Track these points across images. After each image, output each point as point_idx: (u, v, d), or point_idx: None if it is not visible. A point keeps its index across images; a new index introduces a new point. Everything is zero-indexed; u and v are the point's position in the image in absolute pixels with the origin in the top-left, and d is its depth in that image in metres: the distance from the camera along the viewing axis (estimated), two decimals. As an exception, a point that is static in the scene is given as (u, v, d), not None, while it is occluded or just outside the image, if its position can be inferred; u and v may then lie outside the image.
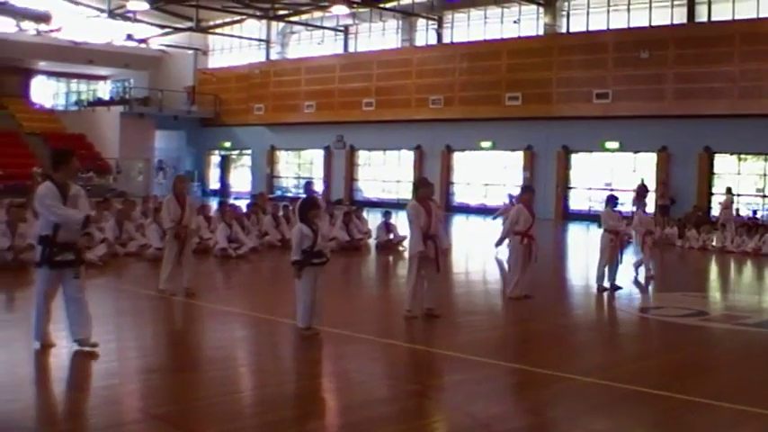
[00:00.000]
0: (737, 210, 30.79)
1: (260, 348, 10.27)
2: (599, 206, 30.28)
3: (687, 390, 8.34)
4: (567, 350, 10.47)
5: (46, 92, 55.45)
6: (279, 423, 7.12)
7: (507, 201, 22.20)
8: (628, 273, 16.99)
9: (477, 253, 22.26)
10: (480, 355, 9.60)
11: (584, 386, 8.47)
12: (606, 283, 15.12)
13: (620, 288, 15.17)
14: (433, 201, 12.27)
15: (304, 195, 15.20)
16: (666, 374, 9.20)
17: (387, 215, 22.47)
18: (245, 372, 9.11)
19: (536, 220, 13.87)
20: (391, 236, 22.11)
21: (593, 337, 11.70)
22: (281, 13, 46.09)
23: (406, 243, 21.60)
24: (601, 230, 15.63)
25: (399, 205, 35.57)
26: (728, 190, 30.18)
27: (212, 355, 9.72)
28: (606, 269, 15.19)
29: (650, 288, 16.44)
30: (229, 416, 7.19)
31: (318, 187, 44.50)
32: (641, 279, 17.09)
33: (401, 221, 22.76)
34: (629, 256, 17.87)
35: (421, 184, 12.09)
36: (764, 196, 32.58)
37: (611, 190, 34.92)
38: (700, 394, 8.18)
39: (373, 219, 25.43)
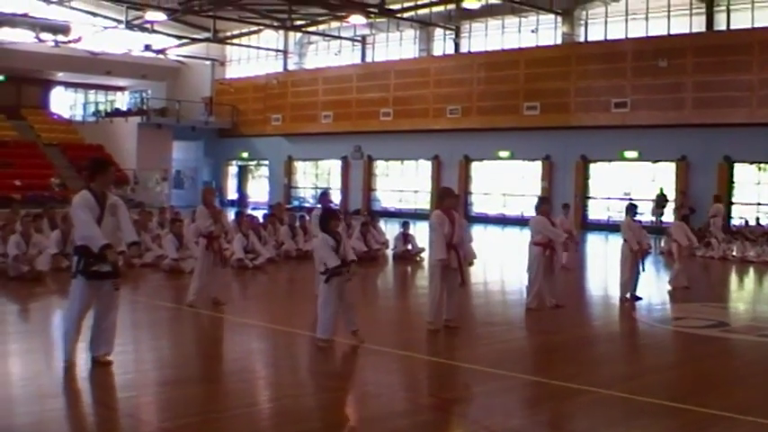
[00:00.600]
0: (758, 219, 30.60)
1: (277, 360, 10.19)
2: (618, 216, 30.17)
3: (709, 403, 8.21)
4: (586, 362, 10.34)
5: (64, 103, 55.65)
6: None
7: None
8: (656, 284, 16.87)
9: (496, 263, 22.09)
10: (499, 368, 9.48)
11: (605, 399, 8.34)
12: (627, 294, 15.02)
13: (640, 299, 15.04)
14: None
15: (319, 205, 15.11)
16: (688, 387, 9.07)
17: (405, 226, 22.39)
18: (263, 384, 9.02)
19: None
20: (409, 246, 22.02)
21: (614, 349, 11.56)
22: (299, 23, 46.13)
23: (424, 254, 21.62)
24: (622, 240, 15.51)
25: (417, 215, 35.60)
26: (717, 198, 30.09)
27: (229, 367, 9.66)
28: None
29: (670, 299, 16.29)
30: (246, 429, 7.13)
31: (336, 197, 44.44)
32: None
33: (419, 232, 22.78)
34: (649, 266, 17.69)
35: (446, 194, 11.94)
36: (785, 205, 32.33)
37: (630, 199, 34.74)
38: (722, 407, 8.03)
39: (391, 229, 25.35)
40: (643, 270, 15.43)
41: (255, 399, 8.36)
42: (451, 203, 11.80)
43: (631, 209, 15.81)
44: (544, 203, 14.21)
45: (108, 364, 8.85)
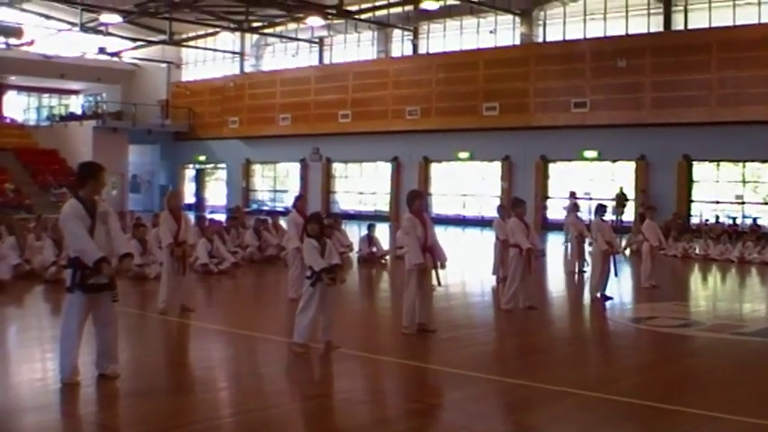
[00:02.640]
0: (717, 216, 30.82)
1: (250, 368, 9.88)
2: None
3: (695, 403, 8.11)
4: (567, 364, 10.20)
5: (17, 107, 54.86)
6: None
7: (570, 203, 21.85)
8: (623, 283, 16.88)
9: (458, 265, 21.95)
10: (480, 371, 9.31)
11: (589, 401, 8.19)
12: (597, 294, 14.99)
13: (610, 298, 15.01)
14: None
15: (293, 209, 14.93)
16: (670, 387, 8.97)
17: (370, 228, 22.25)
18: (236, 393, 8.66)
19: (532, 232, 13.67)
20: (374, 249, 21.85)
21: (592, 350, 11.47)
22: (256, 25, 45.78)
23: (389, 257, 21.51)
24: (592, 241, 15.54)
25: (377, 217, 35.47)
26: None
27: (199, 376, 9.32)
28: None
29: (640, 298, 16.29)
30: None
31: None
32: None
33: (379, 234, 22.64)
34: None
35: (414, 197, 11.78)
36: (743, 203, 32.57)
37: (590, 199, 34.91)
38: (708, 407, 7.93)
39: (350, 231, 25.17)
40: (615, 274, 15.41)
41: (228, 410, 8.05)
42: (421, 206, 11.68)
43: (600, 209, 15.82)
44: (519, 205, 14.04)
45: (117, 377, 8.51)
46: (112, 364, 8.57)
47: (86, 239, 8.22)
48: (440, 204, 40.96)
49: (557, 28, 37.08)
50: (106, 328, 8.53)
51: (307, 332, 9.96)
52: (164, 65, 51.85)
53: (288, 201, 37.42)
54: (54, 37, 47.60)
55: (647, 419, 7.70)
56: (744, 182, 32.87)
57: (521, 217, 13.74)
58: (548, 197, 37.16)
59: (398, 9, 41.01)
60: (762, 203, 32.31)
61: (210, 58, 51.40)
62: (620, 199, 33.80)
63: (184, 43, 50.03)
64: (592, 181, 36.12)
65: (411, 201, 11.74)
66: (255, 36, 48.26)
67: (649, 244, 17.36)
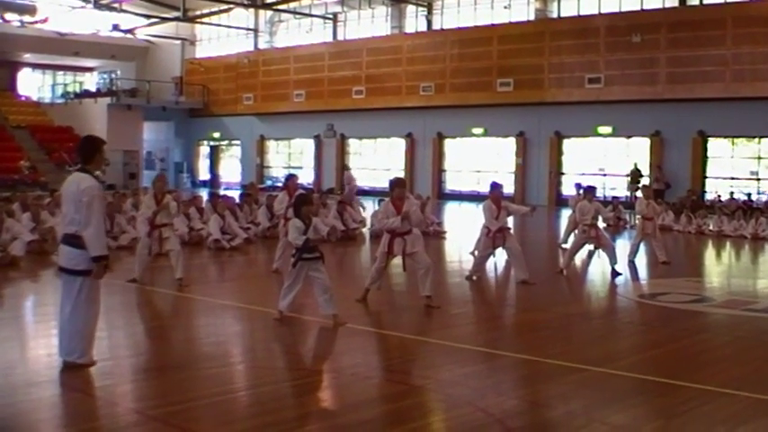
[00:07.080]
0: (731, 193, 30.63)
1: (258, 343, 9.95)
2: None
3: (704, 379, 8.11)
4: (576, 340, 10.20)
5: (32, 84, 54.95)
6: (279, 424, 6.74)
7: (575, 192, 21.85)
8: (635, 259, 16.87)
9: (469, 241, 21.91)
10: (488, 347, 9.34)
11: (598, 377, 8.19)
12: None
13: (620, 274, 15.04)
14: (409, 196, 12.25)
15: (281, 188, 15.26)
16: (680, 363, 8.94)
17: (381, 204, 22.18)
18: (243, 369, 8.72)
19: (502, 213, 14.14)
20: (386, 224, 21.81)
21: (601, 326, 11.42)
22: (269, 1, 45.66)
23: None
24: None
25: (391, 194, 35.38)
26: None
27: (208, 351, 9.35)
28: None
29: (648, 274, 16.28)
30: (228, 417, 6.87)
31: (309, 177, 44.27)
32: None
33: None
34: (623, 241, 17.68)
35: (393, 185, 12.05)
36: (758, 179, 32.38)
37: (604, 175, 34.96)
38: (717, 384, 7.93)
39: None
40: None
41: (236, 385, 8.09)
42: (400, 193, 11.83)
43: (590, 190, 16.27)
44: (495, 190, 14.33)
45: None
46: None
47: (103, 227, 8.27)
48: (454, 180, 40.97)
49: (571, 3, 36.79)
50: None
51: (287, 304, 10.38)
52: (178, 42, 51.81)
53: (302, 177, 37.45)
54: (68, 14, 47.55)
55: (655, 395, 7.69)
56: (759, 158, 32.65)
57: (495, 200, 14.12)
58: (562, 173, 37.04)
59: (412, -16, 40.86)
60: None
61: (224, 34, 51.33)
62: (635, 175, 33.67)
63: (198, 20, 49.95)
64: (606, 157, 36.05)
65: (391, 189, 12.02)
66: (269, 12, 48.13)
67: (642, 221, 17.48)
